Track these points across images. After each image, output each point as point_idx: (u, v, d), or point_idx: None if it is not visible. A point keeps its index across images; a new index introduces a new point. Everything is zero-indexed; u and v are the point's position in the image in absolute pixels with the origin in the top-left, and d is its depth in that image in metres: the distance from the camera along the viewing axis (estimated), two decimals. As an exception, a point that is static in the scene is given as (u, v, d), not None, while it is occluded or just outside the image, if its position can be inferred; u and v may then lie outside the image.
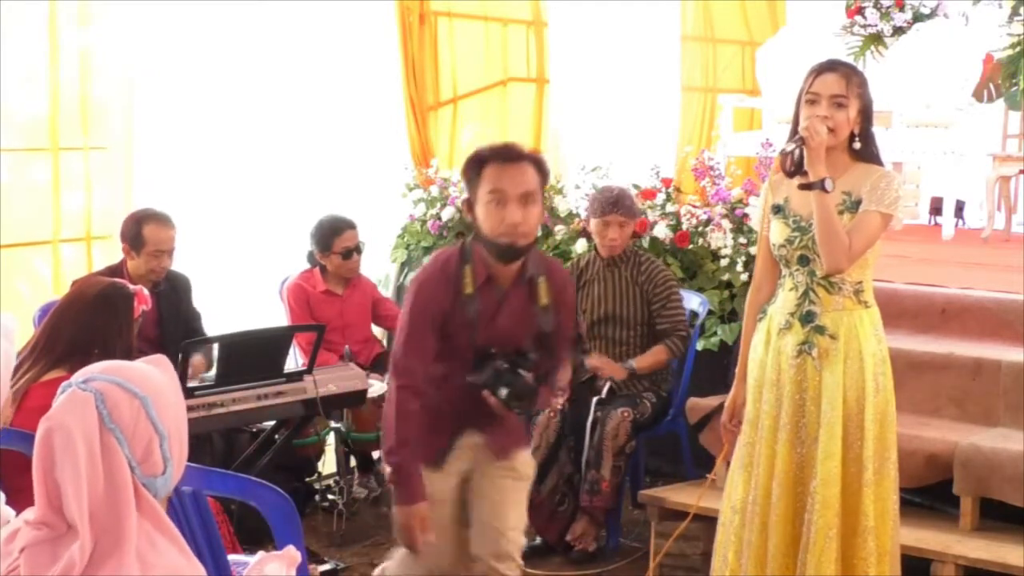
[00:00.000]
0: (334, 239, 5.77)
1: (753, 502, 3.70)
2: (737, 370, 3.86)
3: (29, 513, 1.98)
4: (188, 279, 5.39)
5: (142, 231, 5.08)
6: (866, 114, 3.58)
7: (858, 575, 3.60)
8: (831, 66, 3.61)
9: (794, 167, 3.50)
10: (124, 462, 1.94)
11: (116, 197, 5.74)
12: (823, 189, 3.44)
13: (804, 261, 3.62)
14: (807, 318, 3.63)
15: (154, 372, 2.06)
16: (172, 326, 5.15)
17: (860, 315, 3.63)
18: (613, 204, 5.13)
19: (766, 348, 3.73)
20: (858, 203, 3.55)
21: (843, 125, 3.53)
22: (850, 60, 6.63)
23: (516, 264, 3.34)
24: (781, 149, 3.58)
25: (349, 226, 5.80)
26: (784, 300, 3.68)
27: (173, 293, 5.28)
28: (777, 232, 3.68)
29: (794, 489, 3.66)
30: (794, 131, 3.57)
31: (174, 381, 2.10)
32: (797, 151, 3.48)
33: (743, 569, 3.75)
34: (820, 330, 3.62)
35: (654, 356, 5.13)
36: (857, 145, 3.59)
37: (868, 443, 3.59)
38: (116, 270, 5.06)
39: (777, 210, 3.69)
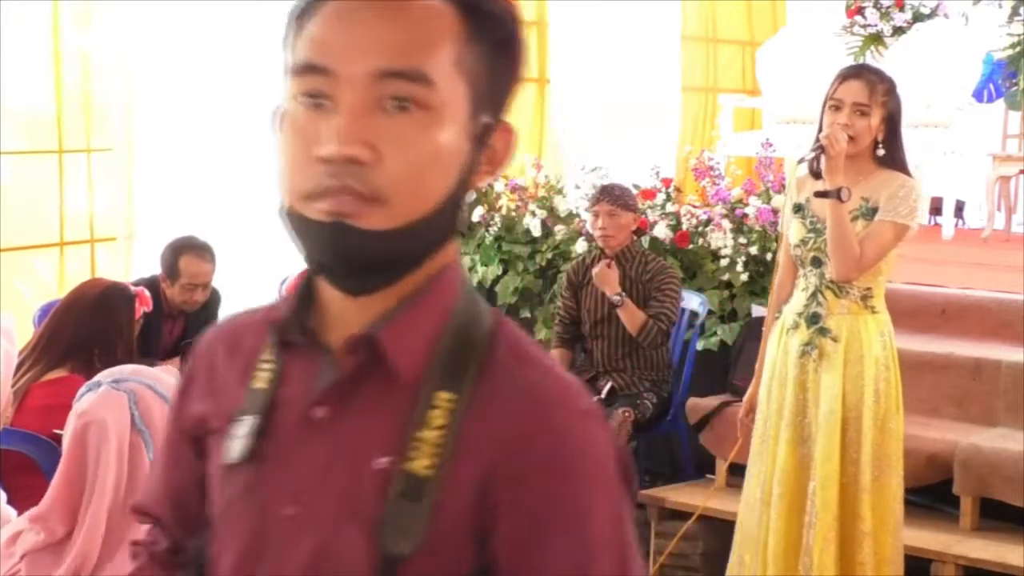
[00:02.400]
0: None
1: (762, 501, 3.71)
2: (757, 366, 3.87)
3: (31, 514, 1.98)
4: (220, 296, 5.30)
5: (178, 262, 4.96)
6: (891, 121, 3.55)
7: (856, 577, 3.60)
8: (856, 72, 3.60)
9: (819, 170, 3.48)
10: (147, 465, 1.94)
11: (120, 199, 5.74)
12: (838, 198, 3.41)
13: (817, 263, 3.61)
14: (813, 319, 3.63)
15: (172, 378, 2.06)
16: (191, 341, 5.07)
17: (865, 320, 3.61)
18: (601, 192, 5.14)
19: (778, 346, 3.74)
20: (874, 210, 3.52)
21: (864, 133, 3.50)
22: (851, 60, 6.63)
23: (364, 296, 1.20)
24: (801, 156, 3.56)
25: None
26: (796, 300, 3.69)
27: (204, 311, 5.22)
28: (795, 232, 3.67)
29: (795, 489, 3.66)
30: (819, 135, 3.53)
31: None
32: (818, 157, 3.47)
33: (750, 568, 3.74)
34: (823, 332, 3.61)
35: (636, 315, 4.95)
36: (881, 152, 3.56)
37: (865, 448, 3.57)
38: (152, 284, 4.89)
39: (798, 209, 3.67)
